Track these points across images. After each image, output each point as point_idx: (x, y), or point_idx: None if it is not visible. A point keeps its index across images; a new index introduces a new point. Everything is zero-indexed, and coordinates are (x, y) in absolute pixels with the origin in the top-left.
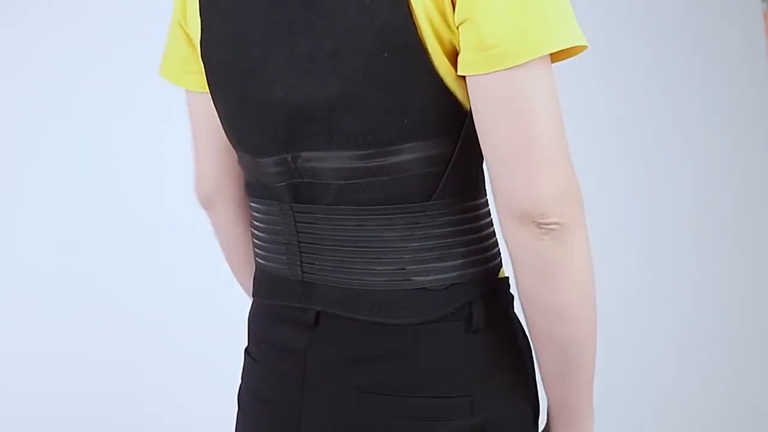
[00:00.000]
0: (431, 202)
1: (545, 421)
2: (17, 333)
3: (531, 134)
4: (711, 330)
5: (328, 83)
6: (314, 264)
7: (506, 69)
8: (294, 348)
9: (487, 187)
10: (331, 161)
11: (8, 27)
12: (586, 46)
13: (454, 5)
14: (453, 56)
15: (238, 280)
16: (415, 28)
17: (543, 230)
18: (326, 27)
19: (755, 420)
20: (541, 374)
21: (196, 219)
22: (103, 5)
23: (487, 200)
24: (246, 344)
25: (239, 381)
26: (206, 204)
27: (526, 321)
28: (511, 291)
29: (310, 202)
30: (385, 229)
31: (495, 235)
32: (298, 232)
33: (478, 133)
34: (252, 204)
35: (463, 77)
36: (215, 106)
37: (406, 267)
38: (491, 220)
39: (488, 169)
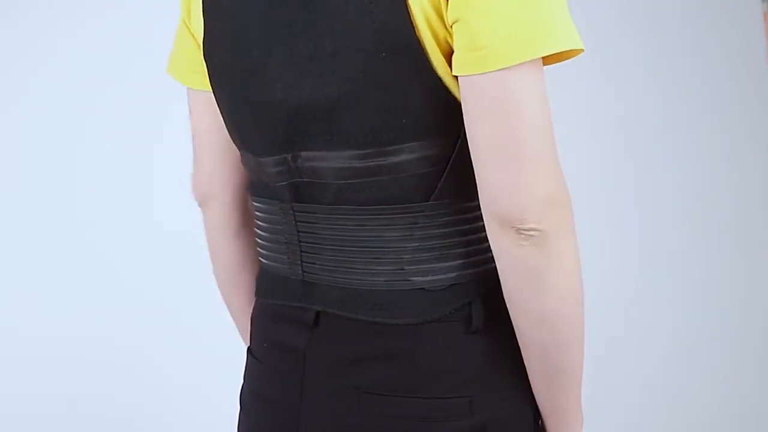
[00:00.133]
0: (430, 202)
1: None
2: (17, 333)
3: (516, 137)
4: (711, 330)
5: (327, 83)
6: (314, 264)
7: (496, 70)
8: (294, 347)
9: None
10: (330, 161)
11: (8, 27)
12: (581, 50)
13: (447, 4)
14: (450, 56)
15: (224, 293)
16: (413, 27)
17: (522, 236)
18: (326, 27)
19: (755, 420)
20: (528, 373)
21: (196, 219)
22: (104, 5)
23: None
24: (248, 344)
25: (240, 381)
26: (203, 201)
27: (513, 324)
28: None
29: (310, 202)
30: (385, 229)
31: None
32: (298, 231)
33: (466, 132)
34: (255, 204)
35: (455, 77)
36: (218, 105)
37: (406, 267)
38: None
39: (475, 170)
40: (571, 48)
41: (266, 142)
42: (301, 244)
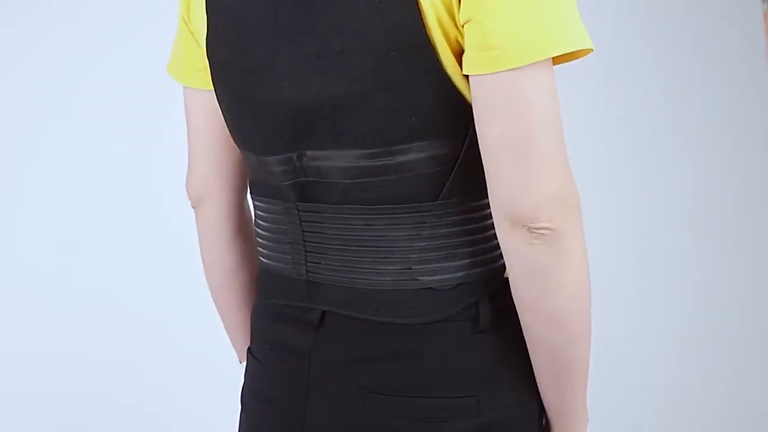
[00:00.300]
0: (438, 202)
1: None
2: (17, 333)
3: (527, 137)
4: (711, 330)
5: (335, 82)
6: (319, 263)
7: (507, 70)
8: (298, 348)
9: None
10: (337, 160)
11: (8, 27)
12: (591, 50)
13: (459, 4)
14: (460, 55)
15: (215, 296)
16: (424, 27)
17: (534, 234)
18: (334, 26)
19: (755, 420)
20: (535, 370)
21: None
22: (104, 5)
23: None
24: (237, 349)
25: (240, 381)
26: (198, 202)
27: (521, 321)
28: None
29: (315, 201)
30: (392, 229)
31: None
32: (303, 231)
33: (477, 131)
34: (256, 203)
35: (465, 76)
36: (219, 104)
37: (413, 267)
38: None
39: (485, 169)
40: (582, 48)
41: (270, 141)
42: (306, 243)
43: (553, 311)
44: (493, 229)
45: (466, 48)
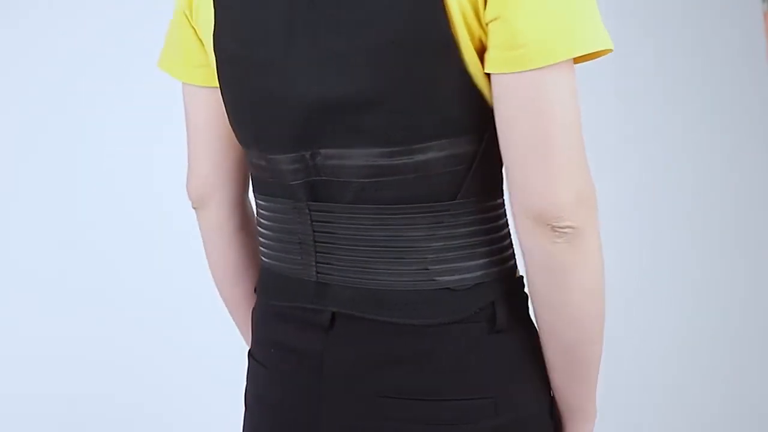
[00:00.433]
0: (456, 201)
1: None
2: (17, 333)
3: (551, 136)
4: (711, 330)
5: (356, 79)
6: (331, 264)
7: (532, 70)
8: (307, 351)
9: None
10: (354, 158)
11: (8, 27)
12: (611, 50)
13: (486, 2)
14: (482, 54)
15: (221, 292)
16: (449, 25)
17: (557, 233)
18: (357, 22)
19: (755, 420)
20: (549, 368)
21: (195, 219)
22: (103, 5)
23: (503, 200)
24: (250, 348)
25: (240, 381)
26: (199, 203)
27: (536, 319)
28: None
29: (327, 201)
30: (408, 229)
31: (510, 234)
32: (314, 231)
33: (498, 131)
34: (260, 202)
35: (489, 75)
36: (224, 100)
37: (430, 267)
38: (507, 220)
39: (506, 169)
40: (605, 48)
41: (281, 139)
42: (317, 244)
43: (573, 309)
44: (507, 228)
45: (489, 46)
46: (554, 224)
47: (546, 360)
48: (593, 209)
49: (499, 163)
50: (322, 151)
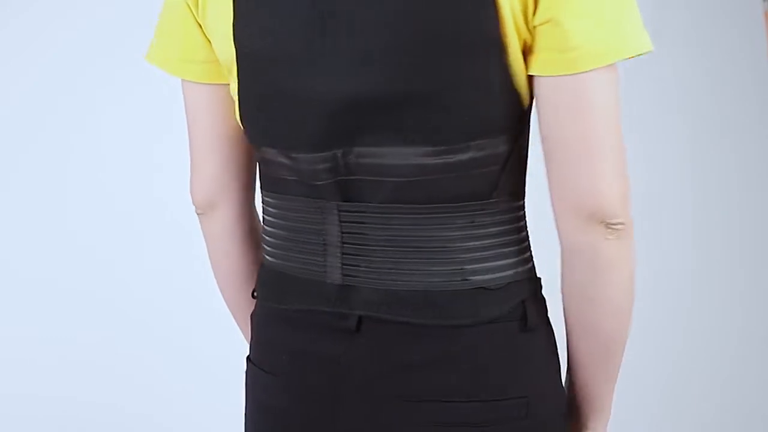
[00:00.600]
0: (490, 200)
1: None
2: (16, 333)
3: (602, 135)
4: (711, 330)
5: (400, 77)
6: (359, 266)
7: (584, 72)
8: (327, 357)
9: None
10: (392, 157)
11: (7, 27)
12: (651, 50)
13: (536, 5)
14: (525, 55)
15: (225, 295)
16: (500, 24)
17: (609, 230)
18: (398, 15)
19: (755, 420)
20: (575, 365)
21: (195, 219)
22: (103, 5)
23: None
24: (249, 353)
25: (240, 390)
26: (206, 207)
27: (569, 313)
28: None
29: (358, 201)
30: (444, 228)
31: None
32: (342, 232)
33: (544, 131)
34: (270, 200)
35: (530, 76)
36: (238, 96)
37: (465, 267)
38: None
39: (554, 169)
40: (649, 50)
41: (311, 137)
42: (344, 245)
43: (614, 303)
44: (526, 228)
45: (538, 49)
46: (608, 221)
47: (574, 359)
48: (630, 207)
49: (525, 164)
50: (355, 149)
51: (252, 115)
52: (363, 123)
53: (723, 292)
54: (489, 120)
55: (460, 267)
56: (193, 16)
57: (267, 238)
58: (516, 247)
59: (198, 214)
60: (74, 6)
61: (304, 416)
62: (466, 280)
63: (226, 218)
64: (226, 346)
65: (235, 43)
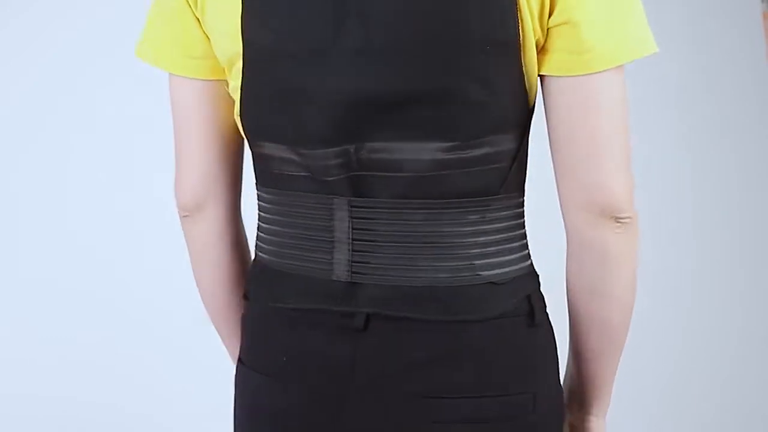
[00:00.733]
0: (499, 196)
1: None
2: (16, 333)
3: (613, 133)
4: (711, 330)
5: (417, 74)
6: (368, 263)
7: (597, 72)
8: (333, 356)
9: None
10: (407, 153)
11: (4, 27)
12: (656, 51)
13: (553, 6)
14: (536, 55)
15: (211, 304)
16: (518, 24)
17: (618, 224)
18: (416, 13)
19: (755, 420)
20: (582, 358)
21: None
22: (103, 5)
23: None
24: (240, 355)
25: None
26: (194, 208)
27: (576, 307)
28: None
29: (369, 196)
30: (455, 223)
31: None
32: (352, 228)
33: (554, 130)
34: (269, 197)
35: (540, 75)
36: (243, 92)
37: (475, 261)
38: None
39: (564, 167)
40: (655, 51)
41: (324, 133)
42: (354, 242)
43: (621, 295)
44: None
45: (552, 49)
46: (617, 215)
47: (581, 352)
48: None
49: (527, 161)
50: (368, 144)
51: (256, 111)
52: (377, 118)
53: (723, 292)
54: (502, 117)
55: (470, 262)
56: (191, 11)
57: (263, 235)
58: (519, 242)
59: (183, 217)
60: (74, 6)
61: (307, 417)
62: (477, 275)
63: (215, 219)
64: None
65: (243, 38)
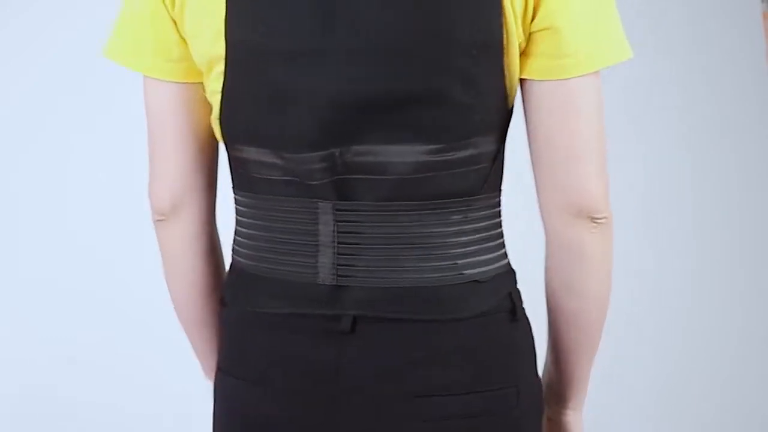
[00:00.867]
0: (480, 196)
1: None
2: (16, 333)
3: (592, 137)
4: (711, 330)
5: (402, 76)
6: (353, 265)
7: (579, 76)
8: (318, 360)
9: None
10: (392, 155)
11: (4, 27)
12: (631, 57)
13: (536, 11)
14: (519, 58)
15: (185, 313)
16: (503, 27)
17: (594, 224)
18: (402, 15)
19: (755, 420)
20: (560, 353)
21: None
22: (103, 5)
23: None
24: (219, 363)
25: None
26: (169, 211)
27: (554, 305)
28: None
29: (353, 199)
30: (440, 224)
31: None
32: (337, 231)
33: (534, 133)
34: (248, 201)
35: (521, 79)
36: (224, 94)
37: (458, 261)
38: None
39: (543, 169)
40: (630, 56)
41: (310, 136)
42: (339, 245)
43: (597, 291)
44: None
45: (533, 54)
46: (594, 216)
47: (560, 348)
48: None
49: (504, 161)
50: (353, 147)
51: (237, 114)
52: (363, 121)
53: (723, 292)
54: (487, 119)
55: (453, 261)
56: (167, 12)
57: (241, 239)
58: (498, 241)
59: (157, 221)
60: (74, 6)
61: (294, 422)
62: (461, 274)
63: (190, 222)
64: None
65: (226, 40)
